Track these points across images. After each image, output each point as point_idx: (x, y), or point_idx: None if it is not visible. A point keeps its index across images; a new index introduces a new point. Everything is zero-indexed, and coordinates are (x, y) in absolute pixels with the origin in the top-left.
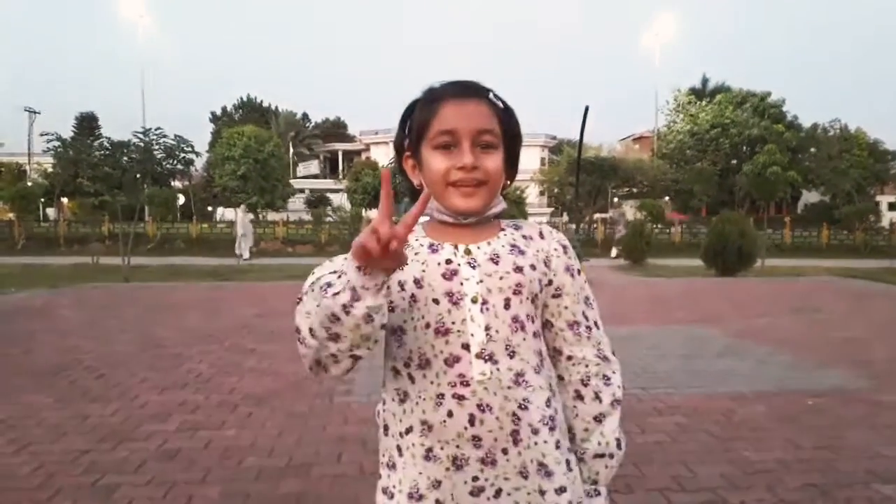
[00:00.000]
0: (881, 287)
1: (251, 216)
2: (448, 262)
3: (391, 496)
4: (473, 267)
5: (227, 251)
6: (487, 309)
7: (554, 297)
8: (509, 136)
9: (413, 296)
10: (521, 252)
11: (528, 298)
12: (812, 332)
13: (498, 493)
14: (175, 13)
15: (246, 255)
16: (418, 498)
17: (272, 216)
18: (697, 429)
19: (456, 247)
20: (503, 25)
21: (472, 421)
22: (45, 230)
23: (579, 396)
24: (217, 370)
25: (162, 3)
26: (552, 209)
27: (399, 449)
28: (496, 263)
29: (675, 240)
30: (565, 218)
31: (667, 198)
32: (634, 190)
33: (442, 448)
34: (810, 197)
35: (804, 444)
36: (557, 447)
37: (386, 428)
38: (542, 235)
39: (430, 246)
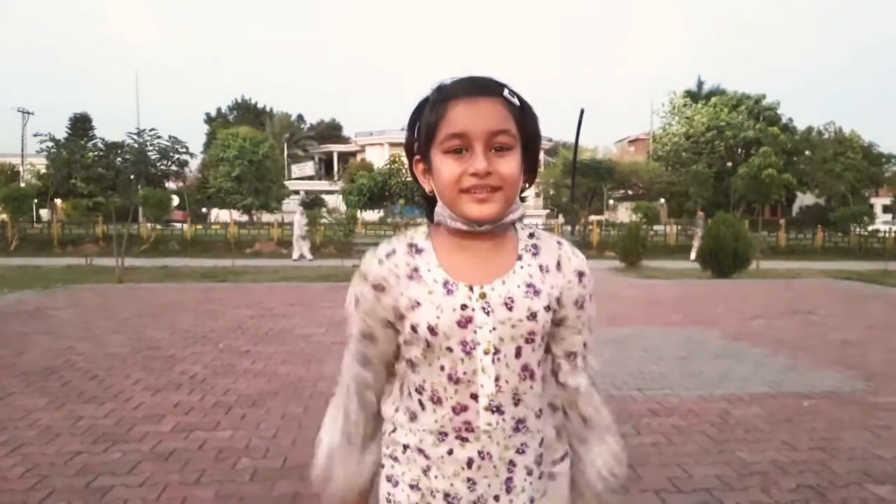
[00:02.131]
0: (876, 289)
1: (307, 218)
2: (463, 307)
3: (396, 483)
4: (487, 313)
5: (221, 253)
6: (499, 359)
7: (556, 325)
8: (527, 135)
9: (428, 343)
10: (537, 292)
11: (539, 345)
12: (807, 335)
13: None
14: (170, 14)
15: (295, 255)
16: (419, 488)
17: (267, 217)
18: (693, 430)
19: (471, 288)
20: (498, 27)
21: (470, 464)
22: (38, 231)
23: (568, 418)
24: (211, 371)
25: (157, 5)
26: (548, 211)
27: (405, 447)
28: (510, 310)
29: (670, 242)
30: (561, 220)
31: (662, 200)
32: (630, 192)
33: (437, 477)
34: (805, 199)
35: (799, 446)
36: (540, 478)
37: (394, 429)
38: (559, 266)
39: (445, 285)
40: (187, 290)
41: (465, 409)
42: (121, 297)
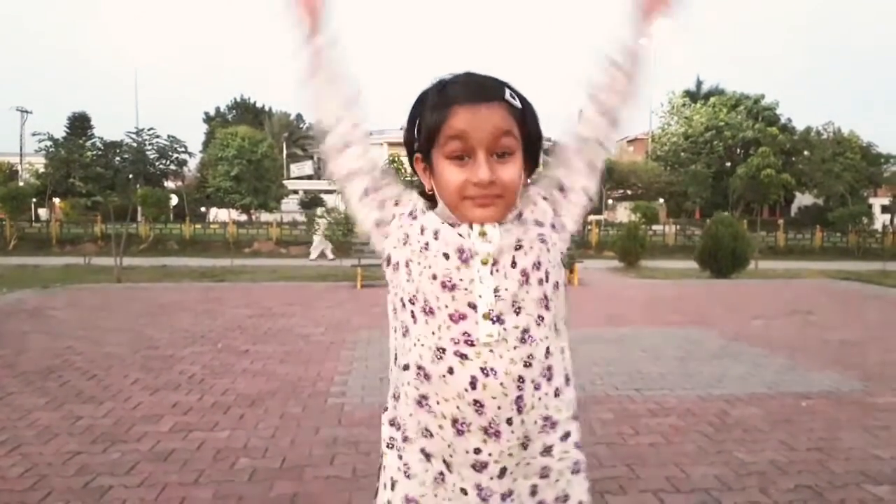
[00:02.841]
0: (874, 289)
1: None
2: (459, 234)
3: (398, 427)
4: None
5: (220, 252)
6: (497, 270)
7: (562, 190)
8: (528, 135)
9: (426, 244)
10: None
11: (537, 242)
12: (805, 335)
13: (503, 472)
14: (170, 13)
15: (314, 255)
16: (404, 440)
17: (265, 217)
18: (691, 430)
19: (471, 226)
20: (497, 25)
21: (473, 384)
22: (36, 231)
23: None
24: (210, 371)
25: (157, 4)
26: None
27: (405, 367)
28: (509, 232)
29: (669, 242)
30: None
31: (661, 200)
32: (629, 192)
33: (438, 403)
34: (804, 199)
35: (797, 446)
36: (557, 395)
37: (395, 357)
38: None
39: (447, 222)
40: (186, 290)
41: (462, 317)
42: (119, 297)
